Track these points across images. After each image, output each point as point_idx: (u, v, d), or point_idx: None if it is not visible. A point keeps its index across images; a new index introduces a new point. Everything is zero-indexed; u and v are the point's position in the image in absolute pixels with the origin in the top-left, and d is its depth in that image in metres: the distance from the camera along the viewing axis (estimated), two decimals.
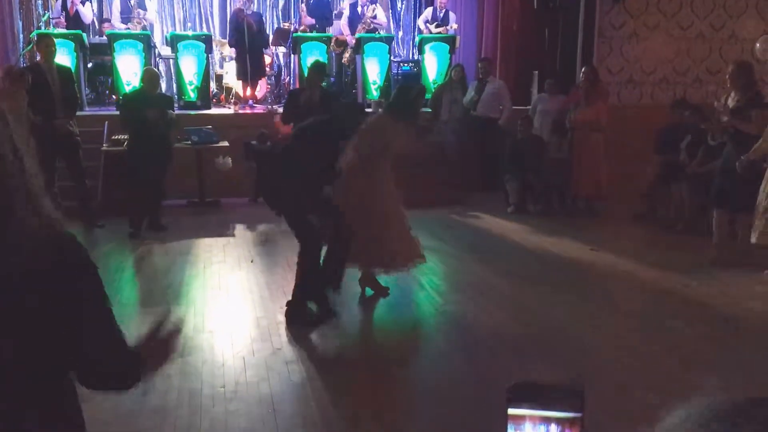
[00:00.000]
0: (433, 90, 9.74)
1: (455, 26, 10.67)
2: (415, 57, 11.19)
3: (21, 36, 10.20)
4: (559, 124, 8.39)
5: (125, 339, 1.44)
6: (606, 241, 6.86)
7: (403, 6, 12.32)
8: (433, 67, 10.51)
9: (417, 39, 10.97)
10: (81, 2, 9.78)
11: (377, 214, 4.98)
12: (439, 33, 10.57)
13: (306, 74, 7.47)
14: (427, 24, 10.73)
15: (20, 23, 10.21)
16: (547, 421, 0.71)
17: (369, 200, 4.97)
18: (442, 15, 10.69)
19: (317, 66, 7.55)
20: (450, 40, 10.48)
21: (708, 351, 4.28)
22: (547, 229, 7.40)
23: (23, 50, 10.08)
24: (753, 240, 5.59)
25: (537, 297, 5.33)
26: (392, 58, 10.88)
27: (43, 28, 9.63)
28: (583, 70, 8.69)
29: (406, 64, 11.26)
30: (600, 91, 8.46)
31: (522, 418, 0.59)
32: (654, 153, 7.73)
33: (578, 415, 0.70)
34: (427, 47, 10.52)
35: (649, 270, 5.97)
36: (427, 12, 11.01)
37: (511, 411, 0.62)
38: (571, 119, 8.15)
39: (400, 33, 12.21)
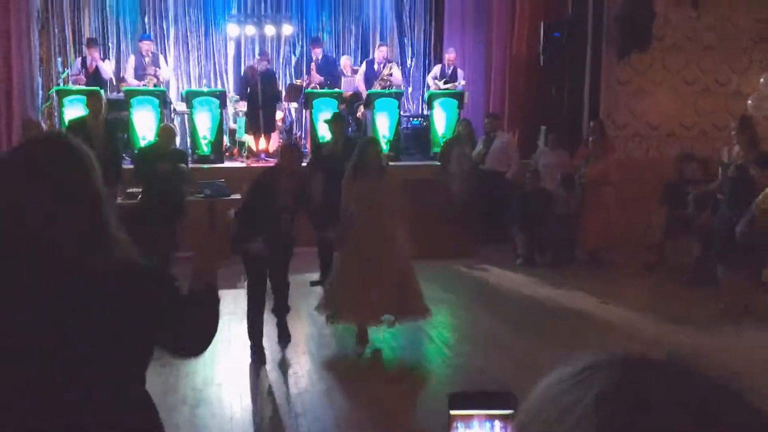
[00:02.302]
0: (442, 145, 9.91)
1: (463, 82, 10.89)
2: (425, 112, 11.40)
3: (40, 93, 10.51)
4: (567, 179, 8.49)
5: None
6: (616, 294, 6.86)
7: (413, 63, 12.61)
8: (441, 122, 10.70)
9: (426, 95, 11.20)
10: (101, 59, 10.09)
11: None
12: (448, 89, 10.79)
13: (329, 126, 7.68)
14: (436, 80, 10.97)
15: (40, 80, 10.53)
16: (491, 418, 0.81)
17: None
18: (450, 72, 10.94)
19: (337, 117, 7.73)
20: (458, 96, 10.69)
21: None
22: (556, 281, 7.42)
23: (42, 106, 10.38)
24: None
25: (546, 351, 5.31)
26: (402, 113, 11.11)
27: (62, 84, 9.92)
28: (591, 124, 8.84)
29: (415, 119, 11.46)
30: (608, 145, 8.59)
31: (470, 417, 0.65)
32: (660, 205, 7.80)
33: (515, 411, 0.79)
34: (435, 103, 10.73)
35: (658, 323, 5.95)
36: (436, 69, 11.27)
37: (455, 412, 0.68)
38: (582, 174, 8.27)
39: (410, 89, 12.47)
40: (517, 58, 10.96)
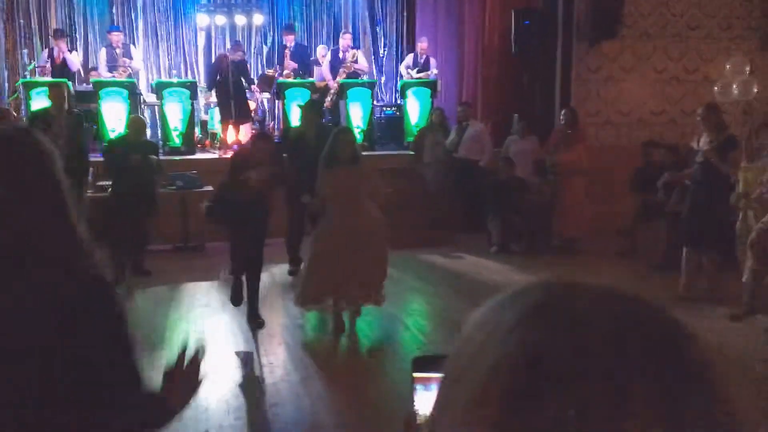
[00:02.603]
0: (416, 134, 9.92)
1: (436, 71, 10.90)
2: (398, 102, 11.40)
3: (6, 85, 10.31)
4: (539, 166, 8.54)
5: (142, 388, 1.47)
6: (586, 279, 6.91)
7: (386, 52, 12.59)
8: (415, 111, 10.70)
9: (399, 84, 11.19)
10: (68, 50, 9.91)
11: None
12: (421, 78, 10.79)
13: (300, 112, 7.68)
14: (409, 69, 10.96)
15: (5, 72, 10.33)
16: None
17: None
18: (423, 61, 10.94)
19: (311, 104, 7.69)
20: (431, 85, 10.71)
21: None
22: (530, 268, 7.47)
23: (8, 99, 10.18)
24: (745, 279, 5.69)
25: None
26: (375, 102, 11.08)
27: (28, 76, 9.74)
28: (562, 112, 8.90)
29: (388, 108, 11.45)
30: (579, 133, 8.65)
31: (431, 379, 0.66)
32: (630, 191, 7.90)
33: None
34: (409, 92, 10.73)
35: None
36: (409, 58, 11.26)
37: (418, 375, 0.68)
38: (552, 162, 8.32)
39: (383, 78, 12.45)
40: (489, 47, 11.00)
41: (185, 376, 1.55)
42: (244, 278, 5.59)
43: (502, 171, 8.54)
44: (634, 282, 6.77)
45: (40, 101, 8.94)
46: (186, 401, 1.56)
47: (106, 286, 1.44)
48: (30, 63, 10.10)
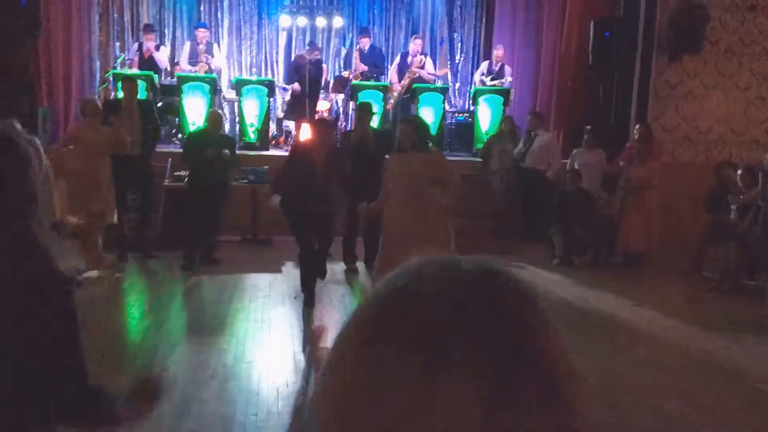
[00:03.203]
0: (485, 141, 9.93)
1: (510, 79, 10.87)
2: (470, 108, 11.41)
3: (98, 75, 10.89)
4: (608, 180, 8.42)
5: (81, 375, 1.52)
6: (650, 298, 6.80)
7: (462, 58, 12.62)
8: (486, 118, 10.70)
9: (472, 91, 11.21)
10: (156, 48, 10.37)
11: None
12: (494, 86, 10.78)
13: (355, 114, 7.90)
14: (483, 77, 10.97)
15: (98, 63, 10.92)
16: None
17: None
18: (497, 68, 10.93)
19: (362, 106, 7.85)
20: (504, 93, 10.68)
21: (739, 417, 4.21)
22: (591, 282, 7.39)
23: (98, 88, 10.75)
24: None
25: (573, 352, 5.31)
26: (447, 108, 11.13)
27: (118, 68, 10.27)
28: (636, 127, 8.74)
29: (460, 114, 11.48)
30: (654, 149, 8.48)
31: None
32: (705, 211, 7.69)
33: None
34: (481, 99, 10.74)
35: (691, 329, 5.90)
36: (484, 65, 11.27)
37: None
38: (624, 177, 8.20)
39: (458, 84, 12.49)
40: (565, 57, 10.89)
41: (145, 393, 1.66)
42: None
43: (569, 183, 8.46)
44: (704, 305, 6.60)
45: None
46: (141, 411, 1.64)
47: (55, 282, 1.51)
48: (120, 56, 10.65)
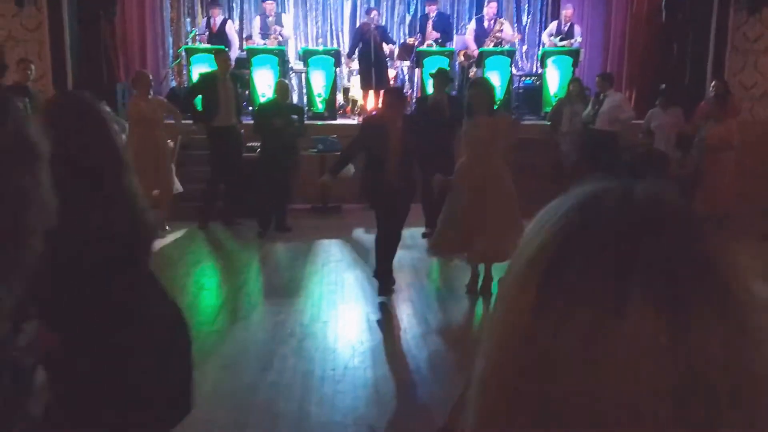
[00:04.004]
0: (554, 104, 9.77)
1: (579, 39, 10.63)
2: (539, 71, 11.23)
3: (171, 51, 11.22)
4: (683, 139, 8.18)
5: None
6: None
7: (529, 19, 12.39)
8: (555, 80, 10.52)
9: (540, 53, 11.02)
10: (223, 23, 10.51)
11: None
12: (563, 46, 10.57)
13: (432, 81, 7.81)
14: (551, 37, 10.76)
15: (170, 39, 11.24)
16: None
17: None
18: (567, 28, 10.69)
19: (440, 72, 7.83)
20: (573, 54, 10.45)
21: None
22: None
23: (172, 64, 11.08)
24: None
25: None
26: (515, 71, 10.99)
27: (189, 43, 10.55)
28: (713, 84, 8.44)
29: (528, 78, 11.32)
30: (731, 106, 8.18)
31: None
32: None
33: None
34: (549, 61, 10.55)
35: None
36: (552, 25, 11.04)
37: None
38: (700, 136, 7.94)
39: (525, 47, 12.29)
40: (637, 14, 10.55)
41: None
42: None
43: (641, 144, 8.27)
44: None
45: (200, 66, 9.69)
46: None
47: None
48: (191, 31, 10.93)
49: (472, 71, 10.59)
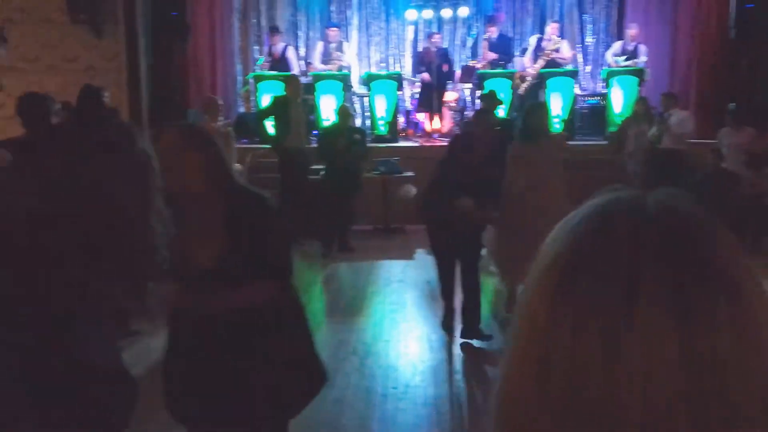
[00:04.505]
0: (619, 123, 9.66)
1: (645, 59, 10.48)
2: (602, 91, 11.11)
3: (239, 78, 11.61)
4: (754, 158, 7.95)
5: None
6: None
7: (593, 40, 12.30)
8: (619, 100, 10.39)
9: (603, 72, 10.92)
10: (284, 49, 10.76)
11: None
12: (628, 66, 10.44)
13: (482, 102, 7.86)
14: (616, 57, 10.65)
15: (239, 67, 11.64)
16: None
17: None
18: (631, 48, 10.57)
19: (488, 94, 7.88)
20: (639, 73, 10.31)
21: None
22: None
23: (241, 90, 11.46)
24: None
25: None
26: (578, 92, 10.91)
27: (257, 70, 10.89)
28: None
29: (592, 98, 11.21)
30: None
31: None
32: None
33: None
34: (614, 80, 10.44)
35: None
36: (617, 45, 10.93)
37: None
38: None
39: (588, 67, 12.19)
40: (705, 32, 10.36)
41: None
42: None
43: (709, 164, 8.07)
44: None
45: (268, 92, 9.98)
46: None
47: None
48: (259, 58, 11.29)
49: (523, 88, 10.48)
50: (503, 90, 10.04)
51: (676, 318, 0.52)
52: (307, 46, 12.18)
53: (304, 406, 2.52)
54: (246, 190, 2.31)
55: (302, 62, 11.92)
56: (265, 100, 9.42)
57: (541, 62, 10.36)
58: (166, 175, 2.06)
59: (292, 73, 9.96)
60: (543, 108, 5.70)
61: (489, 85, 10.18)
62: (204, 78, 10.61)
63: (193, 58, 10.31)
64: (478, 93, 10.82)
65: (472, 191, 4.64)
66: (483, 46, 10.80)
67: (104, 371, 1.73)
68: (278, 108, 8.10)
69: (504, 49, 10.80)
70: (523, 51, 11.15)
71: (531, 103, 6.08)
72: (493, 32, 10.87)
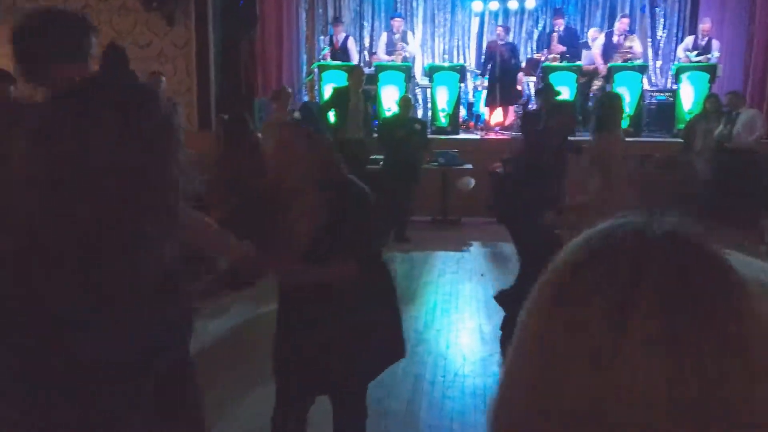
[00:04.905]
0: (687, 121, 9.38)
1: (717, 54, 10.14)
2: (673, 87, 10.81)
3: (304, 67, 11.78)
4: None
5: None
6: None
7: (664, 34, 11.96)
8: (689, 97, 10.08)
9: (673, 68, 10.62)
10: (345, 39, 10.85)
11: None
12: (699, 62, 10.12)
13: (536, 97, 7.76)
14: (687, 52, 10.34)
15: (305, 56, 11.81)
16: None
17: None
18: (704, 43, 10.24)
19: (544, 88, 7.75)
20: (710, 69, 9.99)
21: None
22: None
23: (305, 80, 11.63)
24: None
25: None
26: (647, 87, 10.64)
27: (322, 60, 11.03)
28: None
29: (660, 94, 10.91)
30: None
31: None
32: None
33: None
34: (684, 76, 10.14)
35: None
36: (689, 40, 10.61)
37: None
38: None
39: (659, 62, 11.87)
40: None
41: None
42: None
43: None
44: None
45: (331, 82, 10.11)
46: None
47: None
48: (324, 48, 11.42)
49: (596, 86, 10.32)
50: (568, 84, 9.90)
51: (663, 354, 0.52)
52: (372, 37, 12.25)
53: (380, 372, 2.79)
54: (351, 182, 2.59)
55: (366, 52, 12.01)
56: (328, 90, 9.54)
57: (617, 59, 10.13)
58: (279, 168, 2.45)
59: (356, 63, 10.04)
60: (618, 99, 5.53)
61: (553, 78, 10.04)
62: (270, 66, 10.81)
63: (260, 46, 10.51)
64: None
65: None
66: (552, 38, 10.64)
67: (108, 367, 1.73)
68: (339, 99, 8.20)
69: (571, 41, 10.63)
70: (584, 44, 10.93)
71: (607, 93, 5.84)
72: (560, 25, 10.71)
